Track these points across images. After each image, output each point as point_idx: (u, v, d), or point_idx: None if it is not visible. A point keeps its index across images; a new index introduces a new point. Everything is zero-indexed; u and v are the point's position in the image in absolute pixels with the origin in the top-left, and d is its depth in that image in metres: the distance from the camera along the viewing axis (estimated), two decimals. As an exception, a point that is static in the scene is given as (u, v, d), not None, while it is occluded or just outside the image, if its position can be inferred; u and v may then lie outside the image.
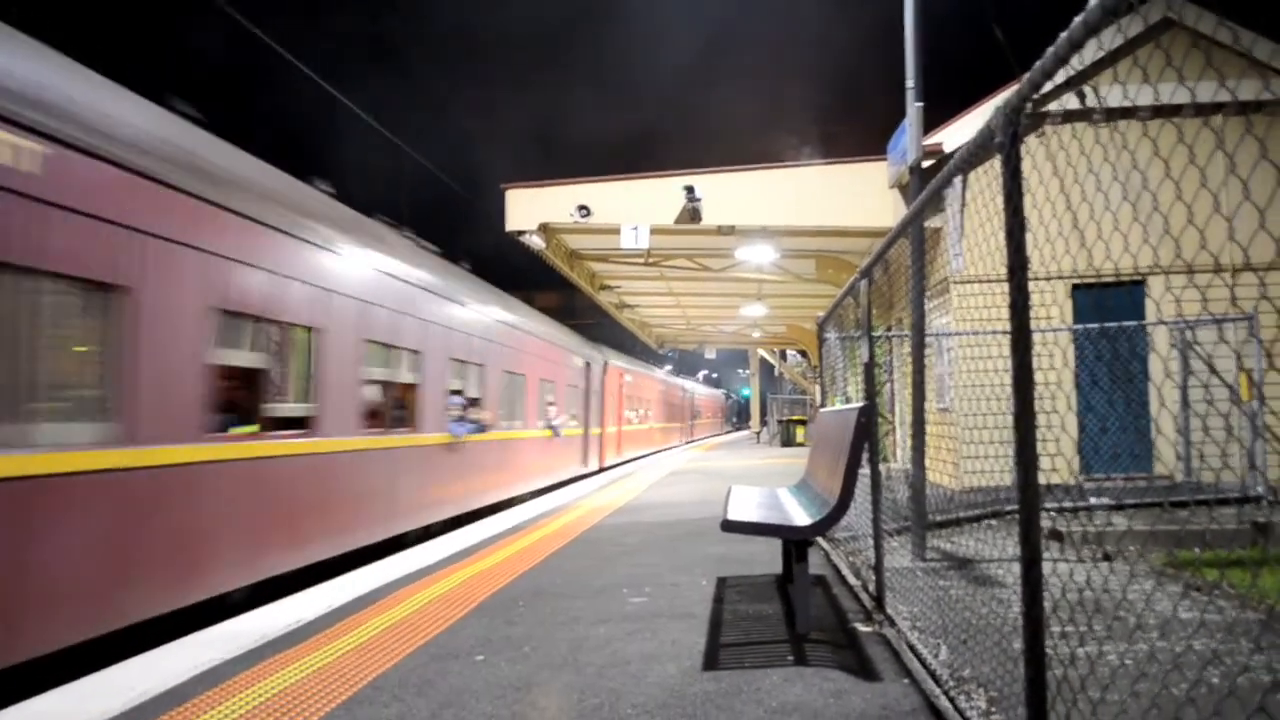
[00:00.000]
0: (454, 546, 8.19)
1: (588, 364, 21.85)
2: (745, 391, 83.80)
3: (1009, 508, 8.21)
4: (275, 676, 4.08)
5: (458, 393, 12.01)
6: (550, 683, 3.90)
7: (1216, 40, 9.61)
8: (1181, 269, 9.07)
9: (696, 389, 56.24)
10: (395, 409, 10.00)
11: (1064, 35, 2.13)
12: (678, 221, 14.19)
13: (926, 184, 3.82)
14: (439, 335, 11.18)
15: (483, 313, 13.26)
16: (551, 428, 17.32)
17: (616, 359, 26.28)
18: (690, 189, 13.73)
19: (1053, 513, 7.89)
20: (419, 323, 10.46)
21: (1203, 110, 2.14)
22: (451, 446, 11.54)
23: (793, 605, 4.91)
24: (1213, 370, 9.93)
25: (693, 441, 47.15)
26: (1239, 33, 9.79)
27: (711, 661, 4.17)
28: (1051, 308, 10.96)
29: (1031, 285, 2.53)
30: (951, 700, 3.38)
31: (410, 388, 10.39)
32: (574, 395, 20.18)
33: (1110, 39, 10.95)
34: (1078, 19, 2.04)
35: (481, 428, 12.57)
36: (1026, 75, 2.37)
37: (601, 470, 22.77)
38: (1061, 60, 2.18)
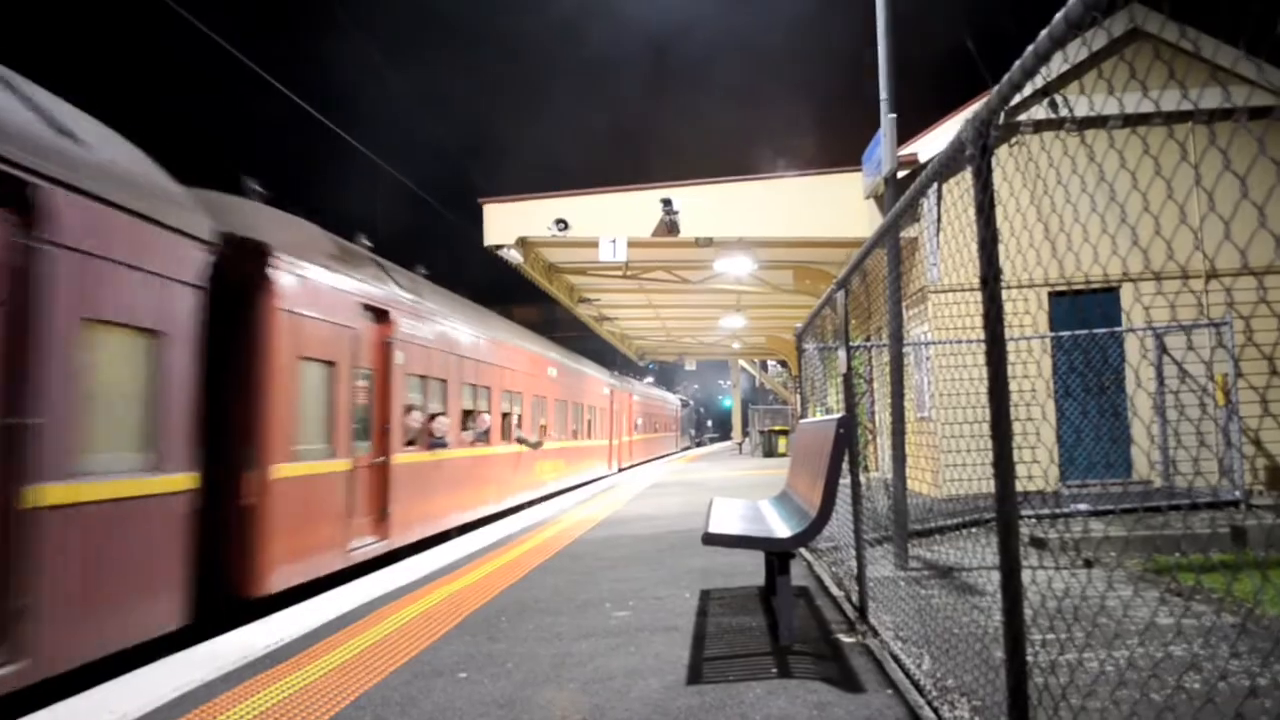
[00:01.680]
0: (437, 563, 8.14)
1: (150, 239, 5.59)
2: (727, 402, 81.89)
3: (989, 515, 8.26)
4: (256, 697, 4.04)
5: None
6: (533, 699, 3.88)
7: (1180, 47, 9.74)
8: (1151, 277, 9.19)
9: (633, 386, 36.77)
10: None
11: (1030, 49, 2.16)
12: (655, 234, 14.23)
13: (902, 194, 3.85)
14: None
15: None
16: None
17: (346, 265, 8.94)
18: (667, 201, 13.77)
19: (1032, 519, 7.95)
20: None
21: (1170, 119, 2.18)
22: None
23: (776, 617, 4.91)
24: (1185, 376, 10.04)
25: (626, 468, 32.03)
26: (1200, 40, 9.94)
27: (695, 675, 4.16)
28: (1026, 315, 11.07)
29: (1008, 293, 2.56)
30: (935, 710, 3.39)
31: None
32: None
33: (1075, 52, 11.14)
34: (1043, 33, 2.07)
35: None
36: (995, 88, 2.40)
37: (270, 604, 6.89)
38: (1029, 73, 2.21)
